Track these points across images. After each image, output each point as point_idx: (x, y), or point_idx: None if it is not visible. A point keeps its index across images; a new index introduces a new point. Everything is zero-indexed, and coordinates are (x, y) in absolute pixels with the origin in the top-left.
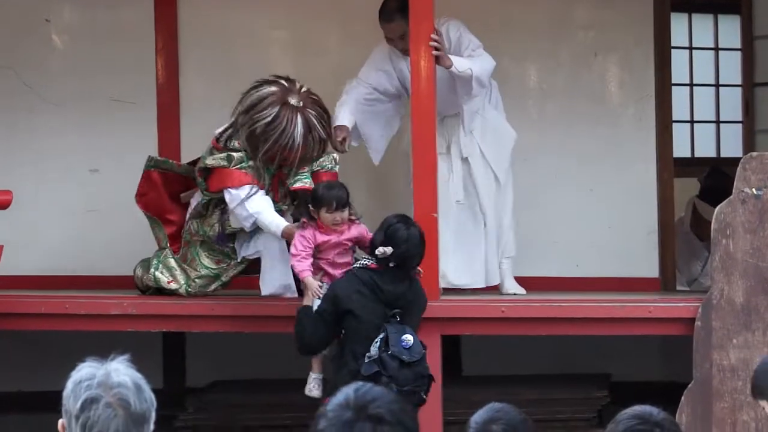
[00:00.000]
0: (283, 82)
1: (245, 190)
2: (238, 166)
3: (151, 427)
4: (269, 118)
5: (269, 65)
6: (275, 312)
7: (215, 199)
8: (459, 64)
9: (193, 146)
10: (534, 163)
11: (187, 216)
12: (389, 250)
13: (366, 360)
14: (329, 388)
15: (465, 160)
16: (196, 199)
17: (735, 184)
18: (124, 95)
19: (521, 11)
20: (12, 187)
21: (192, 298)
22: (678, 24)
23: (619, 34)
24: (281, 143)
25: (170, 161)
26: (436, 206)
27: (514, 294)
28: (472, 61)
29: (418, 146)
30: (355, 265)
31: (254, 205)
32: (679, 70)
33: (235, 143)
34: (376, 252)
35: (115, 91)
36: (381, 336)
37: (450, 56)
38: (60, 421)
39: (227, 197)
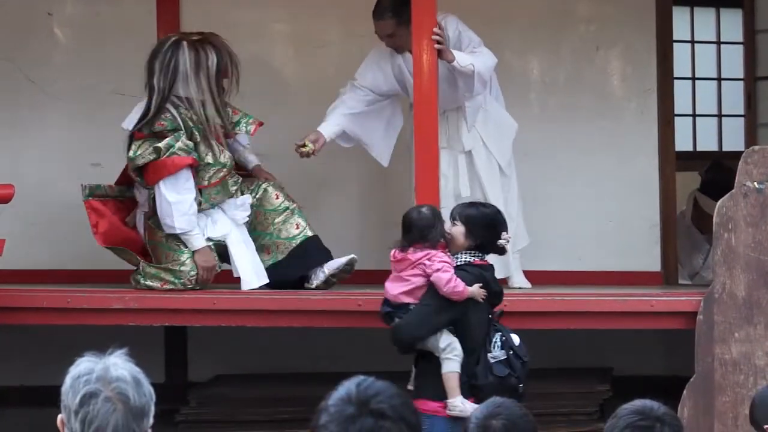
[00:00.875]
0: (172, 36)
1: (182, 175)
2: (168, 153)
3: (151, 420)
4: (215, 58)
5: (270, 59)
6: (278, 306)
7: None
8: (461, 59)
9: None
10: (536, 157)
11: (142, 228)
12: (508, 236)
13: (492, 361)
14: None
15: (468, 153)
16: (141, 212)
17: (737, 177)
18: (127, 89)
19: (523, 4)
20: (14, 180)
21: (194, 292)
22: (680, 17)
23: (621, 28)
24: (220, 66)
25: (102, 185)
26: (438, 200)
27: (520, 288)
28: (474, 57)
29: (421, 140)
30: (459, 262)
31: (183, 222)
32: (681, 64)
33: (157, 125)
34: (501, 242)
35: (117, 85)
36: (499, 336)
37: (452, 51)
38: (59, 417)
39: (157, 198)
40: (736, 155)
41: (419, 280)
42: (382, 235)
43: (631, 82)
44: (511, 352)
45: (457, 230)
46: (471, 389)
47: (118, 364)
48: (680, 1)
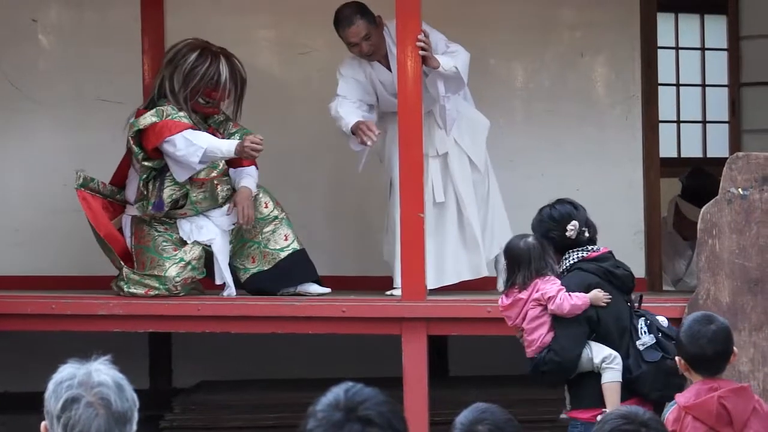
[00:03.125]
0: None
1: (187, 132)
2: (169, 117)
3: (134, 426)
4: (193, 57)
5: (255, 66)
6: (261, 312)
7: (153, 172)
8: (444, 63)
9: None
10: (520, 163)
11: (129, 232)
12: (575, 223)
13: (642, 348)
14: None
15: (442, 157)
16: (128, 216)
17: (721, 184)
18: (111, 96)
19: (508, 11)
20: None
21: (178, 299)
22: (664, 24)
23: (605, 34)
24: (208, 77)
25: (96, 180)
26: (422, 206)
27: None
28: (453, 58)
29: (405, 146)
30: (568, 265)
31: (199, 139)
32: (665, 70)
33: (164, 103)
34: (568, 231)
35: (101, 91)
36: (643, 321)
37: (436, 56)
38: (43, 424)
39: (168, 147)
40: (720, 161)
41: (543, 314)
42: (363, 242)
43: (615, 89)
44: (660, 334)
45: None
46: (627, 386)
47: (101, 370)
48: (665, 8)
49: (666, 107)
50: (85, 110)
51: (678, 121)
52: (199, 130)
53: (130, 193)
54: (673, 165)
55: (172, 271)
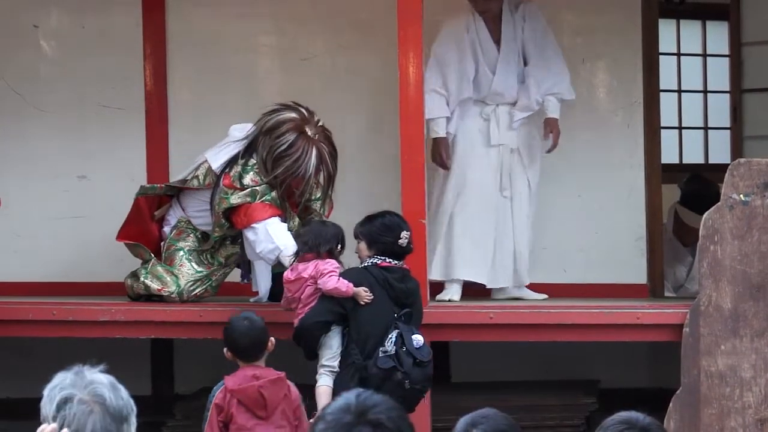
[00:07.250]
0: (302, 110)
1: (274, 221)
2: (262, 199)
3: (132, 429)
4: (285, 145)
5: (257, 72)
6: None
7: (231, 235)
8: (556, 111)
9: (180, 152)
10: None
11: (170, 226)
12: (406, 233)
13: (381, 354)
14: (334, 381)
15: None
16: (175, 212)
17: (723, 190)
18: (112, 102)
19: None
20: (0, 192)
21: (180, 305)
22: (666, 30)
23: (607, 41)
24: (292, 171)
25: (155, 186)
26: (424, 212)
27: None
28: (554, 102)
29: (406, 151)
30: (365, 263)
31: (279, 237)
32: (667, 77)
33: (249, 180)
34: (401, 239)
35: (103, 97)
36: (395, 332)
37: (552, 118)
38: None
39: (250, 234)
40: (722, 168)
41: (317, 292)
42: None
43: (617, 95)
44: (403, 349)
45: (361, 246)
46: (360, 382)
47: (93, 371)
48: (666, 14)
49: (667, 113)
50: (86, 116)
51: (679, 127)
52: (283, 210)
53: (188, 201)
54: (675, 171)
55: (194, 284)
